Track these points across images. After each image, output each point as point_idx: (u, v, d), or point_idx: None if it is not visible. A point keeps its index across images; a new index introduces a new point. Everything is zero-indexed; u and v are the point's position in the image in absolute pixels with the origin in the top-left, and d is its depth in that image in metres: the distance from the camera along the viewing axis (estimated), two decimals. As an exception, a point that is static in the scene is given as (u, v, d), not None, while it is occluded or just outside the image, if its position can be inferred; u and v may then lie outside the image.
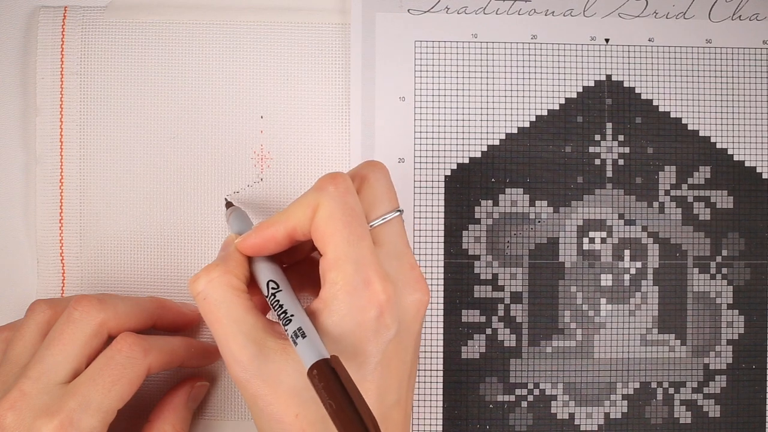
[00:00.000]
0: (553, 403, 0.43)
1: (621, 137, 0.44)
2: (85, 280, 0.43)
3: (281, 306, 0.33)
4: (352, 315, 0.33)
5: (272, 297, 0.34)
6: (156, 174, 0.43)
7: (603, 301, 0.43)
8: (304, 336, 0.32)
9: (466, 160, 0.43)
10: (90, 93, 0.43)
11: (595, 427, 0.43)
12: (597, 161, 0.44)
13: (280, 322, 0.33)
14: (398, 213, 0.36)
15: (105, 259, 0.43)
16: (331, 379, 0.30)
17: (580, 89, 0.44)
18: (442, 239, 0.43)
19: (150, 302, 0.40)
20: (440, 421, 0.43)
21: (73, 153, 0.43)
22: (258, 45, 0.43)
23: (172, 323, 0.41)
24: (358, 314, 0.33)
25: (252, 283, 0.36)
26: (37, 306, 0.38)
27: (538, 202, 0.43)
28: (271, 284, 0.35)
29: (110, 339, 0.37)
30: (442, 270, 0.43)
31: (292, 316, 0.33)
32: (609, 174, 0.44)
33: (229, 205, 0.42)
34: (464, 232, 0.43)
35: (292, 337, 0.32)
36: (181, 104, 0.43)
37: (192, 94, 0.43)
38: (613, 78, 0.44)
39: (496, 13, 0.43)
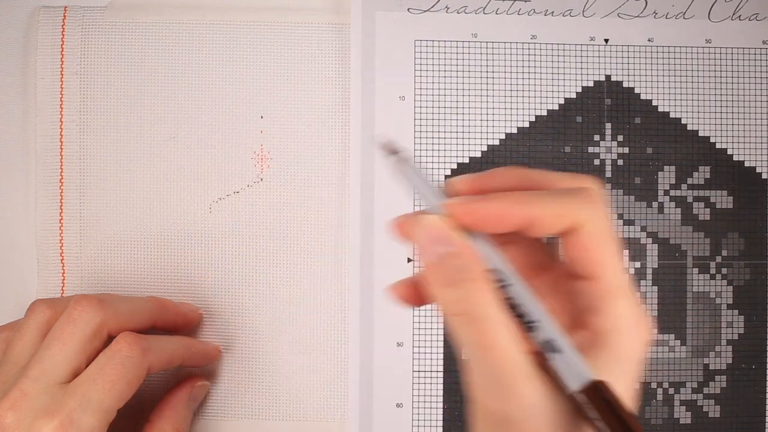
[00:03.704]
0: (552, 403, 0.43)
1: (620, 137, 0.44)
2: (85, 280, 0.43)
3: (518, 305, 0.27)
4: (632, 352, 0.28)
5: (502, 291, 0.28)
6: (156, 174, 0.43)
7: (603, 301, 0.43)
8: (560, 350, 0.27)
9: (466, 160, 0.43)
10: (90, 93, 0.43)
11: (595, 427, 0.43)
12: (596, 161, 0.44)
13: (519, 325, 0.27)
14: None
15: (105, 259, 0.43)
16: (604, 403, 0.26)
17: (580, 89, 0.44)
18: (441, 239, 0.43)
19: (150, 302, 0.40)
20: (440, 422, 0.43)
21: (73, 153, 0.43)
22: (258, 45, 0.43)
23: (172, 323, 0.41)
24: (636, 352, 0.29)
25: None
26: (37, 306, 0.38)
27: (537, 202, 0.43)
28: (498, 274, 0.28)
29: (110, 339, 0.37)
30: (441, 270, 0.43)
31: (537, 321, 0.27)
32: (608, 174, 0.44)
33: (391, 150, 0.29)
34: (464, 232, 0.43)
35: (544, 347, 0.27)
36: (180, 104, 0.43)
37: (192, 94, 0.43)
38: (613, 78, 0.44)
39: (496, 13, 0.43)
